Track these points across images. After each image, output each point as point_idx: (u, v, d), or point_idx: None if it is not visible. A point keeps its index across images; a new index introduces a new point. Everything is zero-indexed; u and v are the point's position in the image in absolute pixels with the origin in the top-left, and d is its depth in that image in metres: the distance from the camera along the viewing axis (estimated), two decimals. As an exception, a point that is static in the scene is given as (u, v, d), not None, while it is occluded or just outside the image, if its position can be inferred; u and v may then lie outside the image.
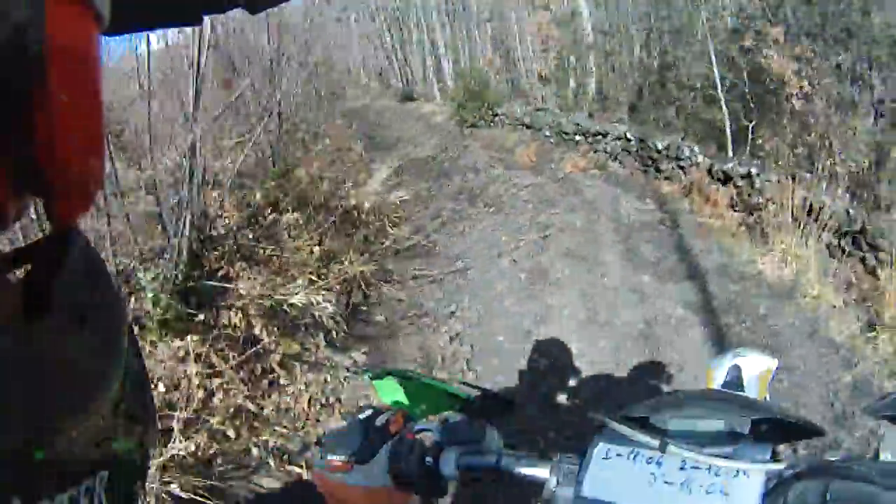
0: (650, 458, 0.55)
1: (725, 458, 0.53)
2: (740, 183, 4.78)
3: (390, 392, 0.81)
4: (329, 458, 0.60)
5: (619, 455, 0.56)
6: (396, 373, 0.81)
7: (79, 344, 0.21)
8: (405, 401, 0.80)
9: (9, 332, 0.19)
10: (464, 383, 0.94)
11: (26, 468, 0.18)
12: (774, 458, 0.53)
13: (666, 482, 0.53)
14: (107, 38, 0.25)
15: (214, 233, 3.00)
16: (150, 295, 2.32)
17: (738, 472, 0.52)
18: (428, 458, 0.64)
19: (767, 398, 0.83)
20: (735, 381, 0.82)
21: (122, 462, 0.24)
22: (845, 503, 0.44)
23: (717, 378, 0.85)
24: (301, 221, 3.71)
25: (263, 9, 0.35)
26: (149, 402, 0.28)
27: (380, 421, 0.63)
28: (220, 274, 2.73)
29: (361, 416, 0.64)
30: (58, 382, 0.19)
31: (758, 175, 4.61)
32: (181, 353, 2.25)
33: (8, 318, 0.20)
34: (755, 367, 0.84)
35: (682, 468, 0.53)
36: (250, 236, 3.23)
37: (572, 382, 2.85)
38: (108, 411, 0.23)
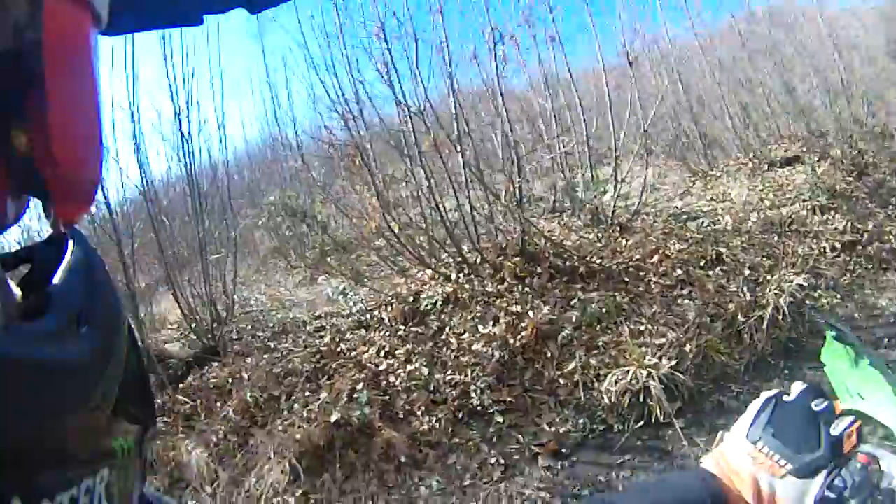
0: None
1: None
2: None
3: (834, 357, 0.66)
4: (764, 447, 0.45)
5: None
6: (853, 344, 0.65)
7: (78, 344, 0.21)
8: (846, 378, 0.62)
9: (8, 332, 0.19)
10: None
11: (26, 468, 0.18)
12: None
13: None
14: (106, 37, 0.25)
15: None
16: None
17: None
18: None
19: None
20: None
21: (122, 461, 0.24)
22: None
23: None
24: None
25: (263, 9, 0.35)
26: (148, 401, 0.27)
27: (836, 429, 0.45)
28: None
29: (817, 408, 0.46)
30: (57, 382, 0.19)
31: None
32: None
33: (7, 318, 0.20)
34: None
35: None
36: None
37: None
38: (108, 411, 0.23)
